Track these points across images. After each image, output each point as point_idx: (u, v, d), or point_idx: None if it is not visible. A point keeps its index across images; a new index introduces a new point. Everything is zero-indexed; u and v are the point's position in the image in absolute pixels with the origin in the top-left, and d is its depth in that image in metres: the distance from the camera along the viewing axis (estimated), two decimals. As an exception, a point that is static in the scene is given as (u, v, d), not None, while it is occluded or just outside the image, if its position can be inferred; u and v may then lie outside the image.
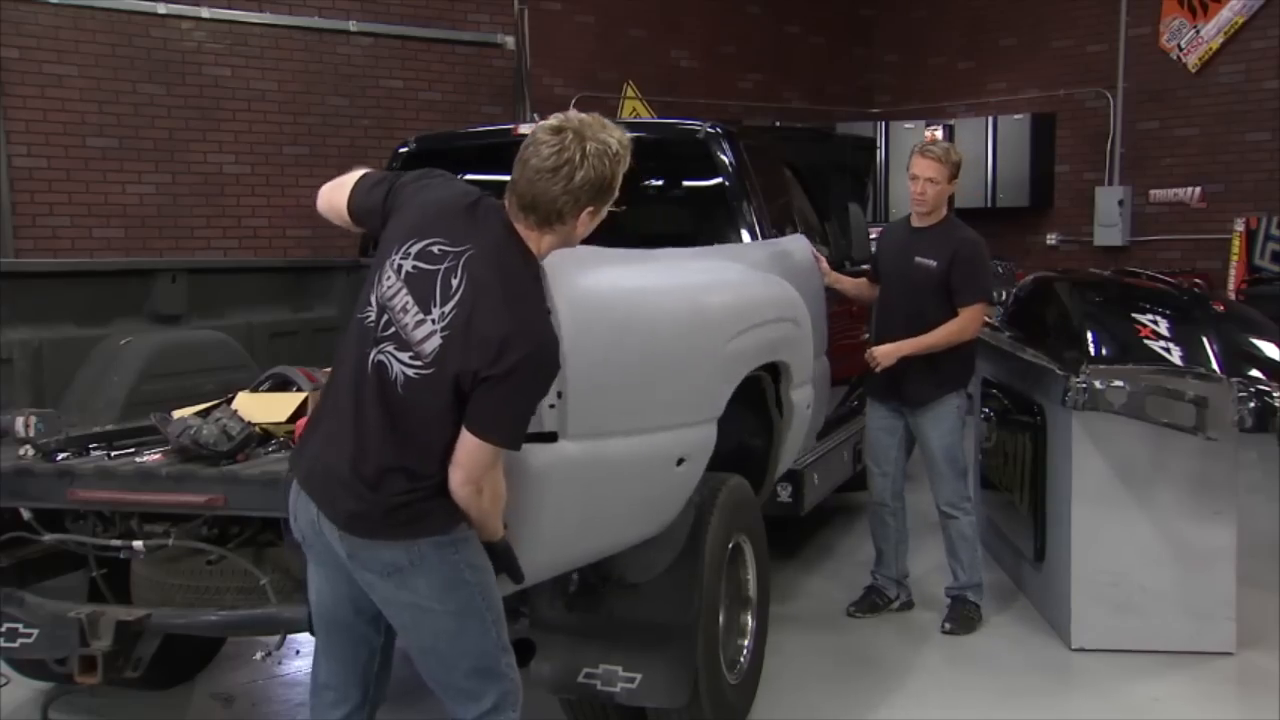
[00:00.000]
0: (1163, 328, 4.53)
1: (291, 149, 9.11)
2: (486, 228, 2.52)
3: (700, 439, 3.40)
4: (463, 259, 2.46)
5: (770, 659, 4.12)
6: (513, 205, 2.54)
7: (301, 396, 3.50)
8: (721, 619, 3.67)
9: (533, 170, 2.48)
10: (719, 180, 5.18)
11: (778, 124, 10.01)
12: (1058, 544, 4.76)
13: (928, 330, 4.65)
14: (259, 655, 3.48)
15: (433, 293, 2.45)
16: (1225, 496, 4.50)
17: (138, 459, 3.17)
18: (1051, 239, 11.67)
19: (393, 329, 2.48)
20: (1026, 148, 11.50)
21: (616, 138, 2.56)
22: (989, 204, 11.69)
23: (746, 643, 3.94)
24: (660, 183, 5.86)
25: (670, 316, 3.32)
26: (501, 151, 5.81)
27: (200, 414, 3.30)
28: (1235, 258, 9.99)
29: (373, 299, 2.54)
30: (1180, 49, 10.61)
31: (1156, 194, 10.88)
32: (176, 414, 3.36)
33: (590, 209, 2.56)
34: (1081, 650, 4.54)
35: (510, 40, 10.17)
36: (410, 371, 2.45)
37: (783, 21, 12.16)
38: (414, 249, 2.50)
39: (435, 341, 2.43)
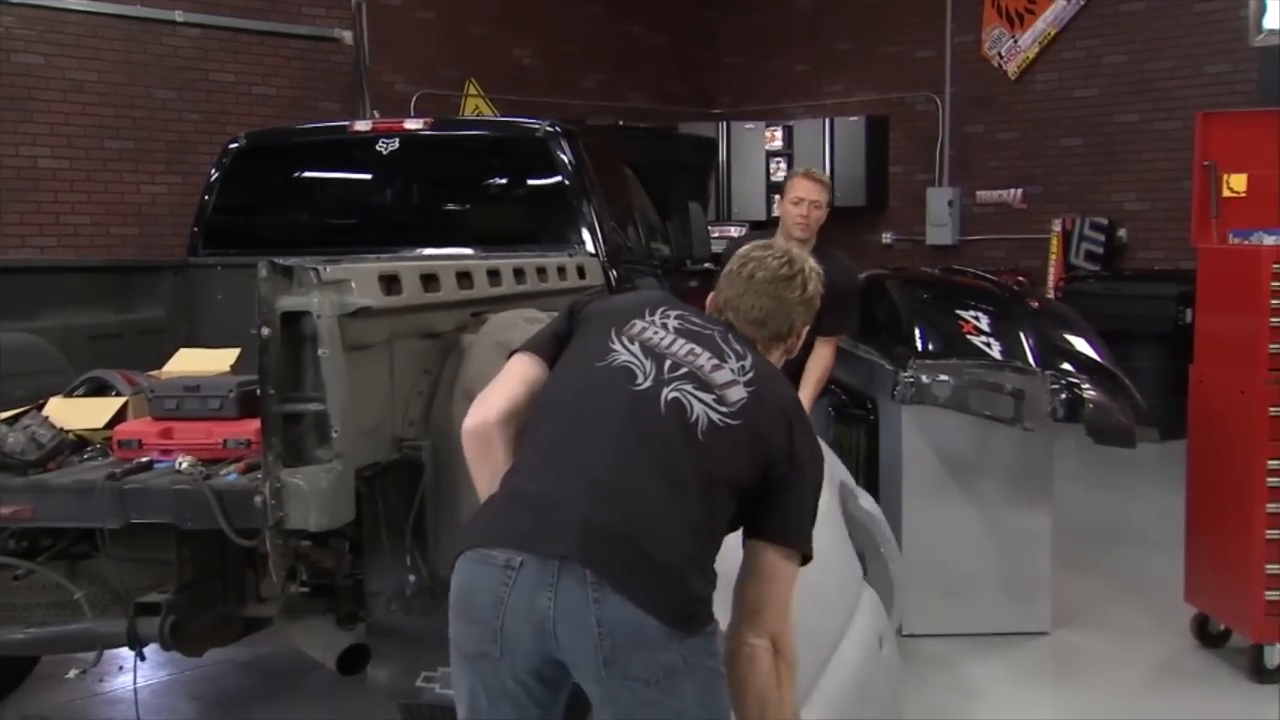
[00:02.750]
0: (984, 324, 4.73)
1: (114, 143, 8.69)
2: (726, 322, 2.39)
3: None
4: (730, 330, 2.32)
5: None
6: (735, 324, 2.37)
7: (120, 401, 3.35)
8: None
9: (762, 282, 2.35)
10: (558, 179, 5.19)
11: (621, 123, 10.08)
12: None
13: (810, 351, 4.59)
14: (73, 673, 3.32)
15: (719, 347, 2.25)
16: (1043, 484, 4.73)
17: (-63, 470, 2.98)
18: (887, 238, 12.06)
19: (684, 369, 2.20)
20: (862, 149, 11.87)
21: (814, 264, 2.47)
22: (827, 204, 12.01)
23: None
24: (500, 181, 5.85)
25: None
26: (337, 149, 5.81)
27: (7, 421, 3.12)
28: (1054, 256, 10.52)
29: (619, 345, 2.23)
30: (1000, 57, 11.11)
31: (983, 195, 11.37)
32: (-19, 422, 3.17)
33: (805, 329, 2.43)
34: (912, 635, 4.70)
35: (348, 35, 9.94)
36: (715, 417, 2.15)
37: (625, 21, 12.23)
38: (669, 314, 2.30)
39: (740, 392, 2.19)
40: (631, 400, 2.16)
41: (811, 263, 2.43)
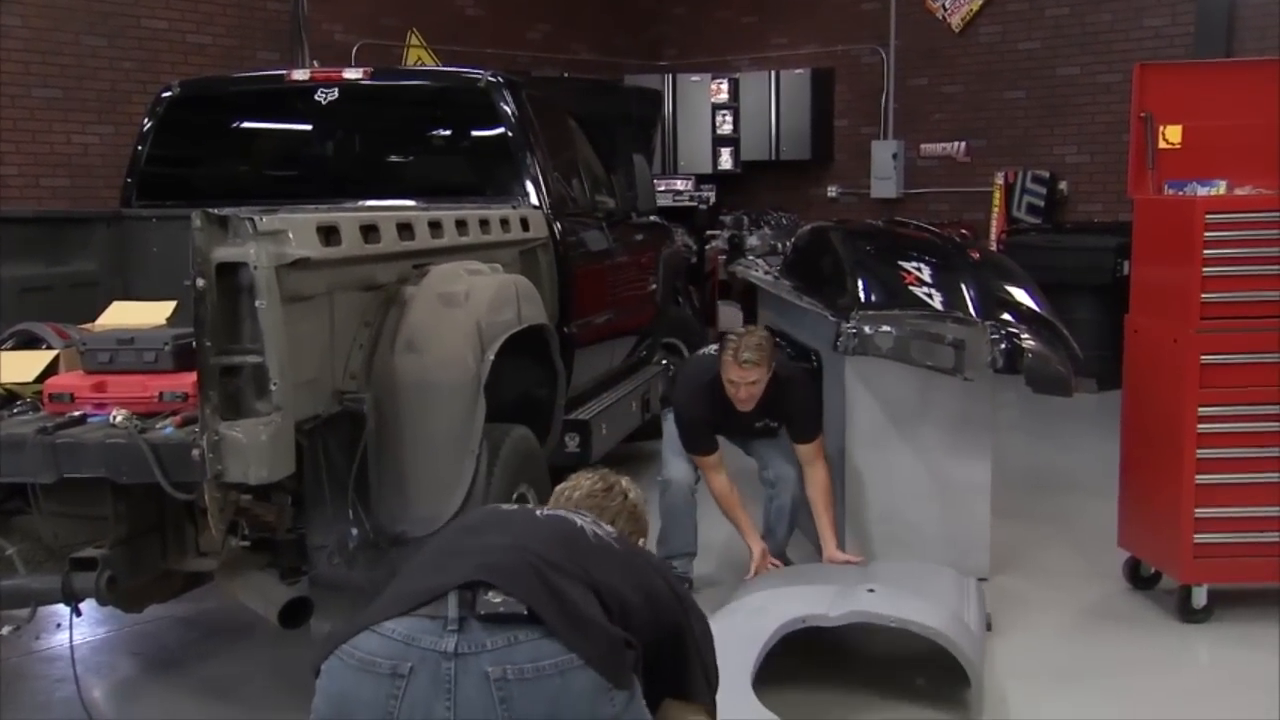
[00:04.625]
0: (926, 275, 4.75)
1: (42, 91, 8.44)
2: None
3: None
4: None
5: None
6: None
7: (51, 354, 3.28)
8: (507, 569, 3.68)
9: (582, 498, 2.41)
10: (501, 130, 5.12)
11: (565, 75, 9.98)
12: (834, 483, 4.96)
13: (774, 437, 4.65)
14: (7, 630, 3.27)
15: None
16: (983, 434, 4.79)
17: None
18: (832, 191, 12.11)
19: (552, 511, 2.30)
20: (807, 102, 11.87)
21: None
22: (773, 157, 12.03)
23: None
24: (443, 132, 5.76)
25: None
26: (275, 99, 5.68)
27: (-66, 376, 3.05)
28: (996, 209, 10.63)
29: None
30: (945, 9, 11.13)
31: (927, 148, 11.43)
32: (-93, 377, 3.10)
33: (638, 541, 2.45)
34: (854, 582, 4.77)
35: (286, -18, 9.73)
36: (601, 532, 2.20)
37: (569, -29, 12.09)
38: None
39: (611, 529, 2.28)
40: (508, 515, 2.19)
41: (626, 479, 2.53)
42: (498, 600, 1.77)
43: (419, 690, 1.73)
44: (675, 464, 4.60)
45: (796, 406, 4.57)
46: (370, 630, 1.78)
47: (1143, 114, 4.67)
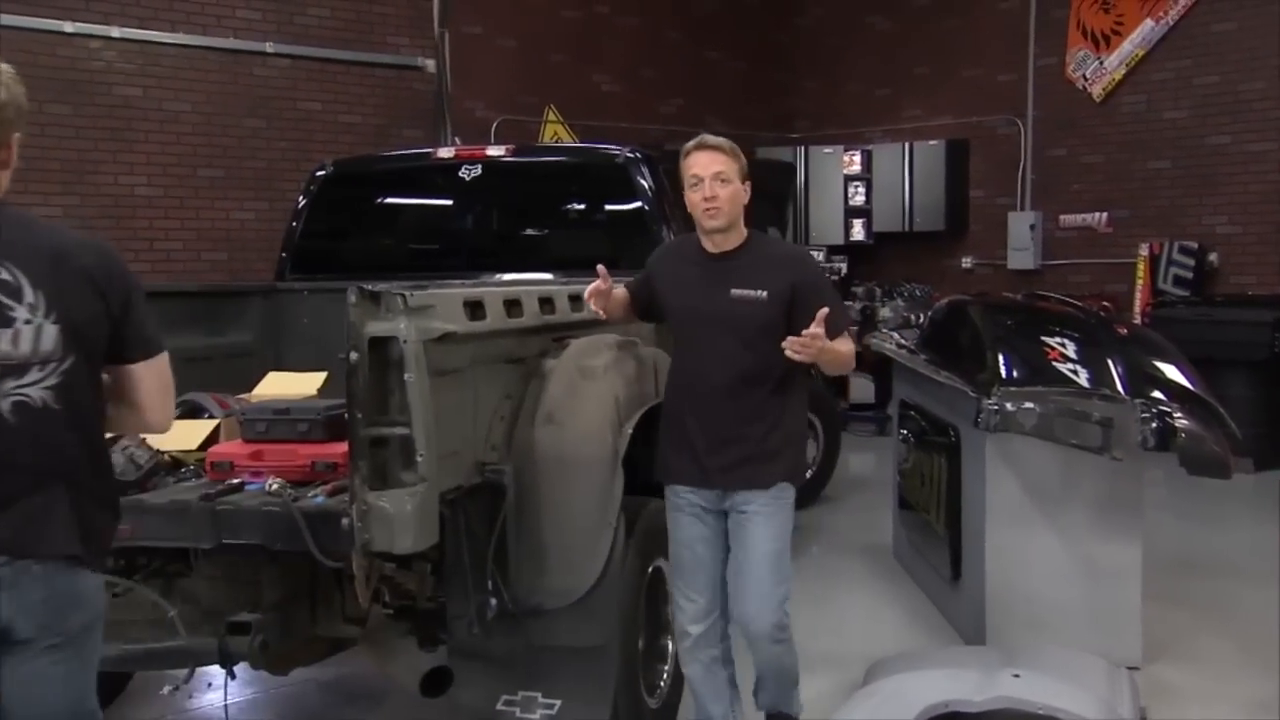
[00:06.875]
0: (1070, 350, 4.64)
1: (207, 171, 8.96)
2: None
3: None
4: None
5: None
6: None
7: (213, 424, 3.44)
8: (641, 643, 3.67)
9: None
10: (638, 204, 5.22)
11: (698, 149, 10.12)
12: (973, 563, 4.84)
13: (763, 385, 3.38)
14: (167, 689, 3.39)
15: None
16: (1132, 514, 4.62)
17: (40, 489, 3.08)
18: (967, 262, 11.92)
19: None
20: (941, 173, 11.77)
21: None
22: (906, 228, 11.94)
23: (667, 667, 3.94)
24: (581, 206, 5.90)
25: None
26: (421, 176, 5.92)
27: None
28: (1140, 281, 10.30)
29: None
30: (1085, 79, 10.94)
31: (1066, 219, 11.18)
32: (82, 443, 3.28)
33: (15, 137, 2.21)
34: (996, 667, 4.60)
35: (431, 64, 10.14)
36: (46, 392, 2.15)
37: (702, 47, 12.29)
38: None
39: (50, 333, 2.14)
40: None
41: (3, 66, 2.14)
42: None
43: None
44: (684, 607, 3.54)
45: (808, 282, 3.39)
46: None
47: (1302, 185, 4.50)
